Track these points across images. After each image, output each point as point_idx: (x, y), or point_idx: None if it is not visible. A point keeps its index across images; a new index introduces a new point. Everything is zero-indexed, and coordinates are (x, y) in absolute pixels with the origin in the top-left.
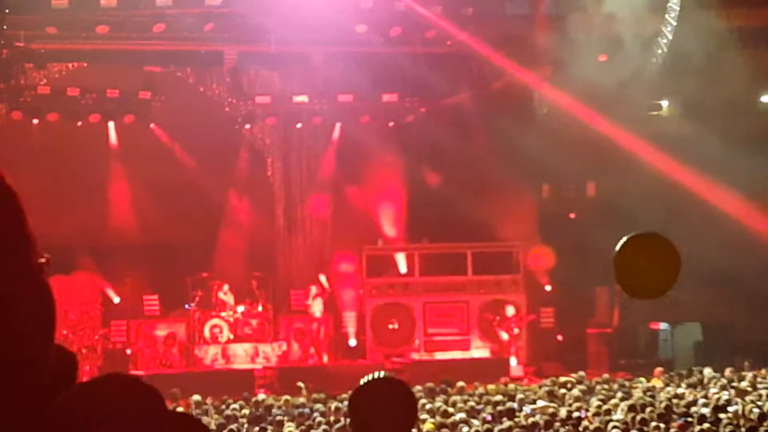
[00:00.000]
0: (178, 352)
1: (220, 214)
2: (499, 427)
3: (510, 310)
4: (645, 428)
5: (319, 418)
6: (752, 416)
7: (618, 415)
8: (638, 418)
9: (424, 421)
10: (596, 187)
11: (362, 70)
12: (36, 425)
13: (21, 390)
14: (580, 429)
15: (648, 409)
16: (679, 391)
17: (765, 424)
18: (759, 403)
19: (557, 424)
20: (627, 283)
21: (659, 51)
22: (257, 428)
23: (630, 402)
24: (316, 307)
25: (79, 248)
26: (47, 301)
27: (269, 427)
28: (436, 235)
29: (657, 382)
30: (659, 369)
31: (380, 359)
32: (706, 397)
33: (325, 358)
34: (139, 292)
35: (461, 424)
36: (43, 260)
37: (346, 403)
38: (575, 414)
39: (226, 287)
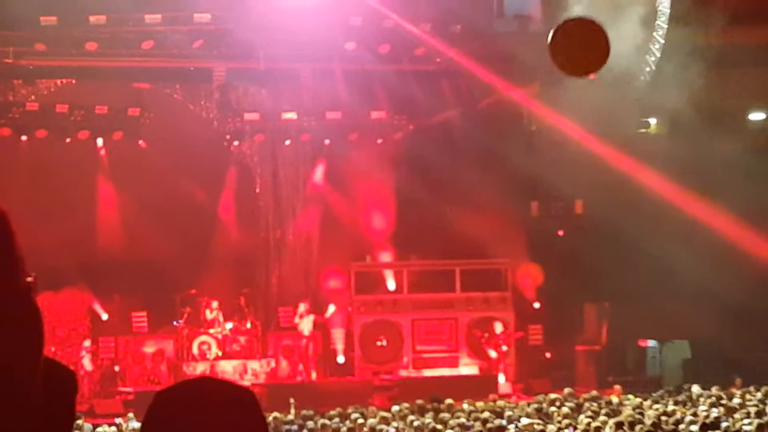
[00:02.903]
0: (166, 369)
1: (209, 230)
2: None
3: (498, 327)
4: None
5: None
6: None
7: None
8: None
9: None
10: (584, 205)
11: (351, 87)
12: None
13: (9, 408)
14: None
15: (637, 427)
16: (668, 408)
17: None
18: (747, 421)
19: None
20: (562, 62)
21: (647, 69)
22: None
23: (618, 419)
24: (305, 326)
25: (67, 265)
26: (35, 321)
27: None
28: (424, 252)
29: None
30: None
31: (369, 376)
32: (694, 414)
33: (314, 375)
34: (128, 309)
35: None
36: (30, 279)
37: (336, 420)
38: (564, 431)
39: (214, 304)
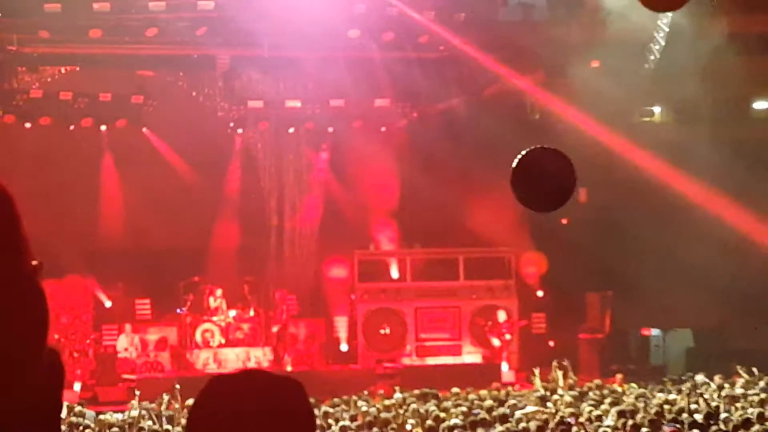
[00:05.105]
0: (169, 357)
1: (212, 218)
2: None
3: (502, 316)
4: None
5: None
6: (742, 422)
7: (609, 421)
8: (629, 423)
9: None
10: (588, 193)
11: (355, 75)
12: (28, 424)
13: (16, 390)
14: None
15: (639, 415)
16: (671, 397)
17: (752, 430)
18: (750, 410)
19: (548, 430)
20: (523, 194)
21: (652, 57)
22: None
23: (621, 408)
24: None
25: (70, 252)
26: (41, 304)
27: None
28: (427, 241)
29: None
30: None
31: (372, 364)
32: (697, 403)
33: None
34: (131, 297)
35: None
36: (35, 263)
37: (338, 408)
38: (566, 419)
39: (218, 292)
